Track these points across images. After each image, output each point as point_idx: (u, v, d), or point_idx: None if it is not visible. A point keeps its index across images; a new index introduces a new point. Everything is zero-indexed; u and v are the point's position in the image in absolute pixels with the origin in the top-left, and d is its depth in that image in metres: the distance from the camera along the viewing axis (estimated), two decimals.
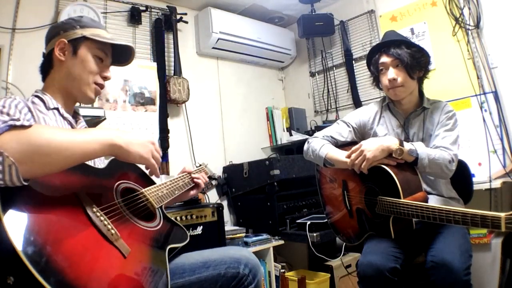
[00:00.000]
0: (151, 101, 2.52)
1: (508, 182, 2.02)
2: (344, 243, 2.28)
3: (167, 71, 2.62)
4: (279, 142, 3.14)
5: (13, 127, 0.79)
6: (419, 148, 1.47)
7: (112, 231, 0.86)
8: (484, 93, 2.19)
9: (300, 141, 2.91)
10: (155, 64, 2.58)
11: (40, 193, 0.81)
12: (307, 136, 2.99)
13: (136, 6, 2.55)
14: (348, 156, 1.52)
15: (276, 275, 2.39)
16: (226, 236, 2.18)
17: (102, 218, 0.87)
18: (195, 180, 1.40)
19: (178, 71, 2.61)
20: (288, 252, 2.66)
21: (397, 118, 1.69)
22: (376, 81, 1.73)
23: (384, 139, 1.50)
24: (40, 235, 0.73)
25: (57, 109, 1.11)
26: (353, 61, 2.93)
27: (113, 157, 1.14)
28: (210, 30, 2.74)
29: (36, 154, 0.77)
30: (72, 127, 1.16)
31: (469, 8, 2.25)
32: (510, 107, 2.13)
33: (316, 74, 3.24)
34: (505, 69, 2.14)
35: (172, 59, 2.65)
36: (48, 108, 1.09)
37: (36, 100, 1.09)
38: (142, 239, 0.98)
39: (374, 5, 2.79)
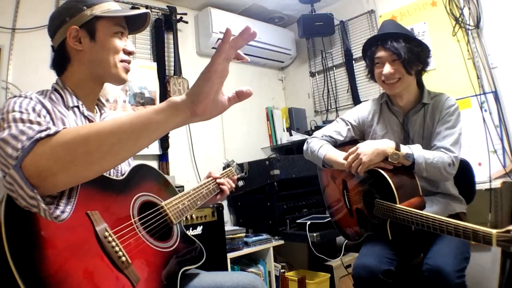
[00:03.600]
0: (151, 101, 2.52)
1: (508, 182, 2.02)
2: (344, 243, 2.29)
3: (167, 71, 2.62)
4: (279, 142, 3.14)
5: (38, 141, 0.70)
6: (416, 151, 1.42)
7: (123, 258, 0.82)
8: (484, 93, 2.19)
9: (300, 141, 2.91)
10: (155, 64, 2.58)
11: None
12: (307, 136, 2.98)
13: (136, 6, 2.55)
14: (345, 158, 1.50)
15: (276, 275, 2.39)
16: (226, 236, 2.18)
17: (113, 244, 0.82)
18: (221, 186, 1.32)
19: (178, 71, 2.61)
20: (288, 252, 2.66)
21: (396, 116, 1.63)
22: (371, 74, 1.65)
23: (380, 142, 1.46)
24: (46, 264, 0.69)
25: (77, 107, 1.02)
26: (353, 61, 2.92)
27: (135, 164, 1.09)
28: (210, 30, 2.74)
29: (80, 151, 0.67)
30: None
31: (469, 8, 2.25)
32: (510, 107, 2.13)
33: (316, 74, 3.24)
34: (505, 69, 2.14)
35: (172, 59, 2.65)
36: (67, 107, 0.99)
37: (55, 96, 0.99)
38: (155, 262, 0.93)
39: (374, 5, 2.79)
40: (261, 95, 3.30)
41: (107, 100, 2.30)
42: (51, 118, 0.90)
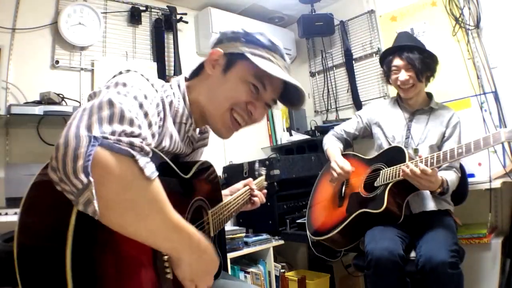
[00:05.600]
0: None
1: (508, 182, 2.02)
2: None
3: (167, 71, 2.61)
4: (279, 142, 3.14)
5: (133, 160, 0.60)
6: (450, 184, 1.61)
7: (168, 275, 0.77)
8: (484, 93, 2.19)
9: (300, 141, 2.91)
10: (155, 64, 2.57)
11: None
12: (307, 136, 2.99)
13: (136, 6, 2.55)
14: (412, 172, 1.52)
15: (276, 275, 2.39)
16: (226, 236, 2.18)
17: (165, 258, 0.77)
18: (253, 198, 1.27)
19: (178, 71, 2.61)
20: (288, 252, 2.66)
21: (403, 112, 1.89)
22: (387, 78, 1.91)
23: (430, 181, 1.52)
24: (100, 266, 0.62)
25: (185, 124, 0.92)
26: (353, 61, 2.92)
27: (203, 161, 1.01)
28: (210, 30, 2.74)
29: (134, 214, 0.60)
30: (191, 145, 0.99)
31: (469, 8, 2.25)
32: (510, 107, 2.12)
33: (316, 74, 3.24)
34: (505, 69, 2.14)
35: (172, 59, 2.64)
36: (175, 120, 0.89)
37: (172, 100, 0.87)
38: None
39: (374, 5, 2.79)
40: None
41: None
42: (162, 127, 0.82)
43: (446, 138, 1.77)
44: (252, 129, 3.10)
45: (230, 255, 2.16)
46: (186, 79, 0.97)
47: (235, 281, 1.17)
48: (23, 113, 1.81)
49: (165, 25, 2.66)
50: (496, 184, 1.98)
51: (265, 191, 1.38)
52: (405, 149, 1.68)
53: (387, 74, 1.87)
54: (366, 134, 2.04)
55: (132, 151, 0.60)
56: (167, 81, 2.74)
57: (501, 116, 2.13)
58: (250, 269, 2.30)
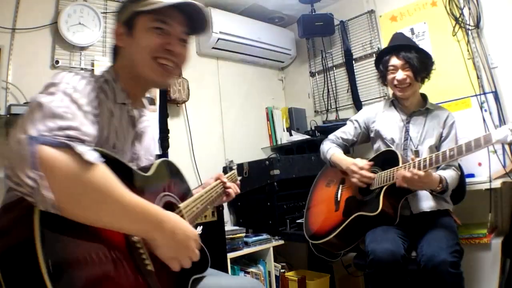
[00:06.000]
0: (151, 101, 2.52)
1: (508, 182, 2.02)
2: None
3: None
4: (279, 142, 3.14)
5: (71, 150, 0.65)
6: (450, 183, 1.62)
7: (149, 267, 0.79)
8: (484, 93, 2.19)
9: (300, 141, 2.91)
10: None
11: None
12: (307, 136, 2.99)
13: None
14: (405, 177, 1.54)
15: (276, 275, 2.39)
16: (226, 236, 2.18)
17: (142, 250, 0.79)
18: (227, 190, 1.30)
19: None
20: (288, 252, 2.66)
21: (400, 114, 1.88)
22: (383, 79, 1.90)
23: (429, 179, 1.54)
24: (72, 259, 0.64)
25: (124, 104, 0.98)
26: (353, 61, 2.92)
27: (162, 159, 1.05)
28: (210, 30, 2.74)
29: (88, 199, 0.65)
30: (133, 125, 1.03)
31: (469, 8, 2.25)
32: (510, 107, 2.12)
33: (316, 74, 3.24)
34: (505, 69, 2.14)
35: None
36: (115, 102, 0.94)
37: (107, 87, 0.93)
38: (171, 271, 0.87)
39: (374, 5, 2.79)
40: (261, 95, 3.30)
41: None
42: (100, 114, 0.86)
43: (444, 138, 1.79)
44: (252, 129, 3.13)
45: (230, 255, 2.16)
46: (113, 66, 1.01)
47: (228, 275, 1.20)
48: (23, 113, 1.81)
49: None
50: (496, 184, 1.98)
51: (238, 182, 1.42)
52: (397, 152, 1.70)
53: (384, 74, 1.86)
54: (363, 139, 2.03)
55: (70, 143, 0.65)
56: None
57: (501, 116, 2.13)
58: (250, 269, 2.30)
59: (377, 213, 1.55)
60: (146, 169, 0.98)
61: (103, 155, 0.73)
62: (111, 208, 0.68)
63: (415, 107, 1.85)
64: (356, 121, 2.01)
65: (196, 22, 1.01)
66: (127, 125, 0.99)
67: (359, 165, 1.74)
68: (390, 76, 1.81)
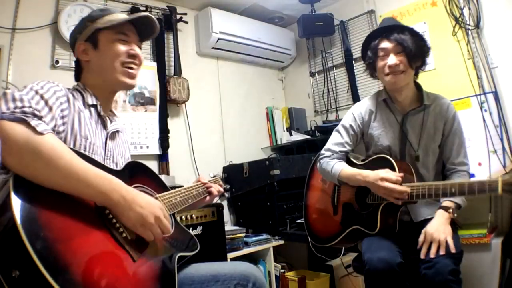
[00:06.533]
0: (151, 101, 2.52)
1: None
2: None
3: (167, 71, 2.61)
4: (279, 142, 3.14)
5: (26, 123, 0.79)
6: (463, 201, 1.48)
7: (124, 234, 0.86)
8: (484, 93, 2.19)
9: (300, 141, 2.91)
10: (155, 64, 2.57)
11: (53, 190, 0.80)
12: (307, 136, 2.99)
13: (136, 6, 2.55)
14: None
15: (276, 275, 2.39)
16: (226, 236, 2.18)
17: (114, 220, 0.86)
18: (209, 189, 1.39)
19: (178, 71, 2.61)
20: (288, 252, 2.66)
21: (395, 115, 1.64)
22: (371, 68, 1.64)
23: (442, 221, 1.41)
24: (51, 231, 0.72)
25: (95, 106, 1.11)
26: (353, 61, 2.92)
27: (132, 160, 1.17)
28: (210, 30, 2.74)
29: (40, 162, 0.77)
30: (105, 127, 1.14)
31: (469, 8, 2.25)
32: (510, 107, 2.12)
33: (316, 74, 3.24)
34: (505, 69, 2.14)
35: (172, 59, 2.64)
36: (86, 105, 1.08)
37: (76, 93, 1.08)
38: (152, 244, 0.96)
39: (374, 5, 2.79)
40: (261, 95, 3.30)
41: None
42: (69, 107, 0.98)
43: (447, 135, 1.60)
44: (252, 129, 3.13)
45: (230, 255, 2.16)
46: (79, 81, 1.16)
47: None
48: None
49: (165, 25, 2.66)
50: None
51: (221, 183, 1.52)
52: (392, 160, 1.51)
53: (372, 61, 1.60)
54: (358, 144, 1.78)
55: (23, 116, 0.79)
56: (167, 81, 2.74)
57: (501, 116, 2.13)
58: None
59: (375, 232, 1.49)
60: (118, 167, 1.10)
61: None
62: (61, 171, 0.79)
63: (411, 104, 1.61)
64: (351, 126, 1.71)
65: (144, 30, 1.18)
66: (97, 124, 1.10)
67: (392, 178, 1.41)
68: (380, 63, 1.55)
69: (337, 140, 1.72)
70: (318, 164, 1.75)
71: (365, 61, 1.67)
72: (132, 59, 1.13)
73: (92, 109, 1.10)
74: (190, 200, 1.25)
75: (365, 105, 1.72)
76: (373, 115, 1.68)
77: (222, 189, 1.46)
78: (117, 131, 1.22)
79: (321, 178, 1.84)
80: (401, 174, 1.43)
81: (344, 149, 1.70)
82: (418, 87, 1.64)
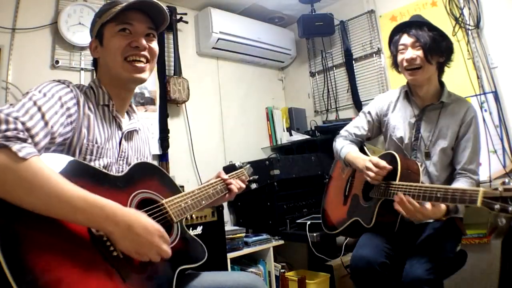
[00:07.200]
0: (151, 101, 2.52)
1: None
2: (344, 243, 2.29)
3: (167, 71, 2.61)
4: (279, 142, 3.14)
5: (7, 148, 0.73)
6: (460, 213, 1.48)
7: (114, 253, 0.82)
8: (484, 93, 2.19)
9: (300, 141, 2.91)
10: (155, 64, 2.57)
11: None
12: (307, 136, 2.99)
13: None
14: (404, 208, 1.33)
15: (276, 275, 2.39)
16: (226, 236, 2.18)
17: (105, 238, 0.82)
18: (229, 186, 1.28)
19: (178, 71, 2.61)
20: (288, 252, 2.66)
21: (413, 108, 1.66)
22: (395, 63, 1.68)
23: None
24: (36, 256, 0.70)
25: (107, 106, 1.07)
26: (353, 61, 2.92)
27: (137, 162, 1.10)
28: (210, 30, 2.74)
29: (21, 190, 0.73)
30: (120, 128, 1.11)
31: (469, 8, 2.25)
32: (510, 107, 2.12)
33: (316, 74, 3.24)
34: (505, 69, 2.14)
35: (172, 59, 2.64)
36: (98, 104, 1.05)
37: (89, 92, 1.06)
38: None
39: (374, 5, 2.79)
40: (261, 95, 3.30)
41: None
42: (78, 112, 0.95)
43: (460, 138, 1.55)
44: (252, 129, 3.13)
45: (230, 255, 2.16)
46: (96, 77, 1.13)
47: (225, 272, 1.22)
48: None
49: None
50: (496, 184, 1.98)
51: (246, 175, 1.41)
52: (397, 157, 1.47)
53: (395, 55, 1.65)
54: (378, 132, 1.82)
55: (5, 143, 0.73)
56: (167, 81, 2.74)
57: (501, 116, 2.13)
58: (250, 269, 2.30)
59: (370, 226, 1.48)
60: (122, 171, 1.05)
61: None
62: (44, 198, 0.74)
63: (431, 99, 1.61)
64: (369, 112, 1.78)
65: (156, 17, 1.10)
66: (110, 124, 1.07)
67: (373, 161, 1.47)
68: (400, 57, 1.59)
69: (355, 123, 1.82)
70: (334, 142, 1.84)
71: (391, 55, 1.71)
72: (135, 51, 1.06)
73: (106, 109, 1.07)
74: (204, 202, 1.16)
75: (388, 95, 1.78)
76: (392, 106, 1.73)
77: (244, 185, 1.34)
78: (135, 130, 1.17)
79: (341, 167, 1.85)
80: (389, 167, 1.44)
81: (359, 133, 1.78)
82: (441, 84, 1.65)
